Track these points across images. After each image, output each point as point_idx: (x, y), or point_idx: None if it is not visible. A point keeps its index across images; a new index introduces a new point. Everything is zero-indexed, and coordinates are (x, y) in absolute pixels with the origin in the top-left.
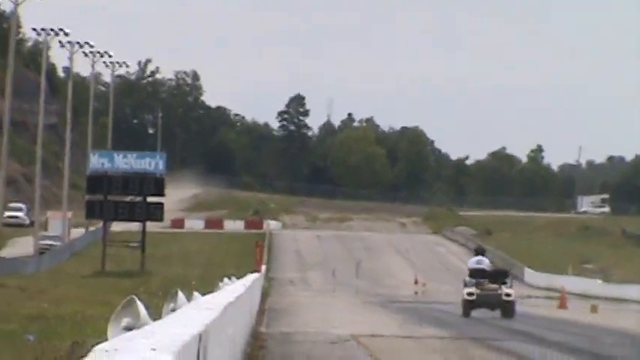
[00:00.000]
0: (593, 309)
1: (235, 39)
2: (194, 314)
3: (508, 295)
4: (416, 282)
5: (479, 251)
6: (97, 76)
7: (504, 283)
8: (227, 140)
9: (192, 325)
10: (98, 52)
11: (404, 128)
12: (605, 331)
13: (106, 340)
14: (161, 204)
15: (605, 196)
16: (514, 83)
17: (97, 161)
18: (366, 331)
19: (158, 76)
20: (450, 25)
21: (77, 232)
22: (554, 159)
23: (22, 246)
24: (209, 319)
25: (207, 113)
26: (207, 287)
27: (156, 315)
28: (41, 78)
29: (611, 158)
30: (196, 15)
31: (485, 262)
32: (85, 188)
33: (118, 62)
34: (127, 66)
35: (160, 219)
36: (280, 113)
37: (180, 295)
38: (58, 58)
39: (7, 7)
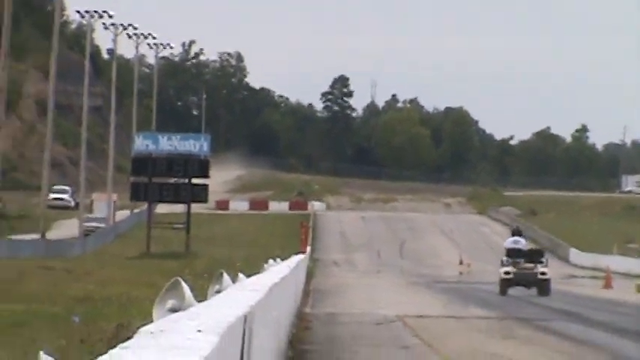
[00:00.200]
0: (639, 288)
1: (279, 20)
2: (239, 296)
3: (543, 273)
4: (460, 262)
5: (515, 232)
6: (141, 58)
7: (540, 262)
8: (271, 121)
9: (238, 306)
10: (142, 34)
11: (448, 109)
12: None
13: (152, 321)
14: (206, 185)
15: None
16: (558, 62)
17: (141, 143)
18: (412, 311)
19: (202, 57)
20: (494, 4)
21: (122, 214)
22: (598, 138)
23: (67, 228)
24: (254, 301)
25: (251, 95)
26: (252, 268)
27: (201, 297)
28: (85, 60)
29: None
30: None
31: (521, 242)
32: (130, 170)
33: (162, 44)
34: (171, 48)
35: (205, 200)
36: (324, 94)
37: (225, 276)
38: (102, 40)
39: None
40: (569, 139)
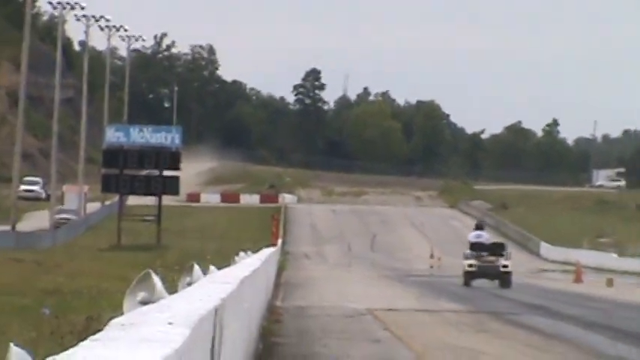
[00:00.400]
0: (609, 283)
1: (251, 13)
2: (210, 288)
3: (505, 266)
4: (432, 256)
5: (478, 226)
6: (113, 51)
7: (502, 255)
8: (243, 114)
9: (209, 299)
10: (114, 26)
11: (419, 102)
12: (620, 304)
13: (122, 314)
14: (177, 178)
15: (621, 170)
16: (530, 57)
17: (113, 135)
18: (383, 305)
19: (174, 50)
20: None
21: (93, 206)
22: (569, 133)
23: (38, 220)
24: (225, 293)
25: (223, 87)
26: (224, 261)
27: (172, 289)
28: (57, 52)
29: (626, 132)
30: None
31: (484, 236)
32: (101, 162)
33: (134, 36)
34: (143, 40)
35: (176, 193)
36: (296, 87)
37: (197, 268)
38: (74, 32)
39: None
40: (540, 133)
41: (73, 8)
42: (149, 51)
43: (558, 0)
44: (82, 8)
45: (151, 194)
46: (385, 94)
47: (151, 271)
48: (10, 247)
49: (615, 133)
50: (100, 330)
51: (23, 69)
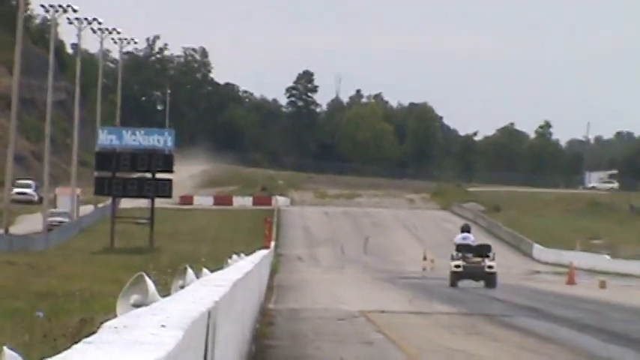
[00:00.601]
0: (602, 285)
1: (243, 15)
2: (203, 291)
3: (490, 267)
4: (424, 258)
5: (465, 229)
6: (105, 53)
7: (487, 256)
8: (235, 117)
9: (202, 301)
10: (106, 29)
11: (412, 104)
12: (613, 306)
13: (115, 316)
14: (170, 180)
15: (614, 171)
16: (522, 59)
17: (105, 138)
18: (375, 307)
19: (166, 52)
20: (457, 1)
21: (86, 209)
22: (562, 135)
23: (30, 223)
24: (218, 296)
25: (215, 90)
26: (216, 264)
27: (165, 292)
28: (49, 55)
29: (619, 134)
30: None
31: (470, 238)
32: (94, 165)
33: (126, 39)
34: (136, 43)
35: (169, 195)
36: (289, 89)
37: (189, 271)
38: (67, 34)
39: None
40: (532, 135)
41: (65, 11)
42: (141, 54)
43: (552, 2)
44: (75, 11)
45: (143, 197)
46: (378, 97)
47: (143, 273)
48: (3, 250)
49: (608, 134)
50: (93, 333)
51: (16, 72)
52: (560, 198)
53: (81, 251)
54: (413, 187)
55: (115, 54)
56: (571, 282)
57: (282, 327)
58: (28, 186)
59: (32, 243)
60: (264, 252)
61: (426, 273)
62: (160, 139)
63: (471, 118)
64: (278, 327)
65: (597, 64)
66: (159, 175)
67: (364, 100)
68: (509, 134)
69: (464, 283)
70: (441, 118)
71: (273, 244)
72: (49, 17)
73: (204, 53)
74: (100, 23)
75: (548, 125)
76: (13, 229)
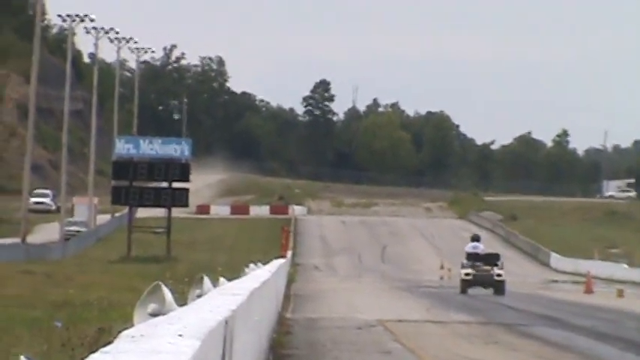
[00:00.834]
0: (619, 293)
1: (260, 25)
2: (220, 300)
3: (499, 275)
4: (442, 267)
5: (474, 238)
6: (122, 63)
7: (496, 265)
8: (252, 126)
9: (219, 310)
10: (123, 38)
11: (429, 113)
12: (631, 315)
13: (132, 325)
14: (186, 190)
15: (631, 180)
16: (540, 68)
17: (122, 147)
18: (393, 316)
19: (183, 62)
20: (475, 8)
21: (103, 218)
22: (579, 144)
23: (48, 232)
24: (235, 305)
25: (232, 99)
26: (233, 273)
27: (182, 301)
28: (67, 64)
29: (637, 142)
30: (222, 1)
31: (479, 247)
32: (111, 174)
33: (143, 48)
34: (153, 52)
35: (186, 205)
36: (305, 98)
37: (206, 280)
38: (84, 44)
39: None
40: (550, 144)
41: (82, 21)
42: (158, 63)
43: (569, 10)
44: (92, 20)
45: (160, 206)
46: (394, 105)
47: (160, 283)
48: (20, 259)
49: (626, 143)
50: (110, 342)
51: (33, 81)
52: (577, 207)
53: (98, 260)
54: (430, 196)
55: (132, 63)
56: (588, 291)
57: (300, 336)
58: (45, 195)
59: (49, 252)
60: (281, 261)
61: (443, 282)
62: (177, 148)
63: (488, 126)
64: (295, 336)
65: (616, 73)
66: (176, 185)
67: (381, 109)
68: (526, 143)
69: (474, 291)
70: (457, 126)
71: (290, 253)
72: (66, 27)
73: (221, 62)
74: (117, 33)
75: (565, 134)
76: (30, 239)
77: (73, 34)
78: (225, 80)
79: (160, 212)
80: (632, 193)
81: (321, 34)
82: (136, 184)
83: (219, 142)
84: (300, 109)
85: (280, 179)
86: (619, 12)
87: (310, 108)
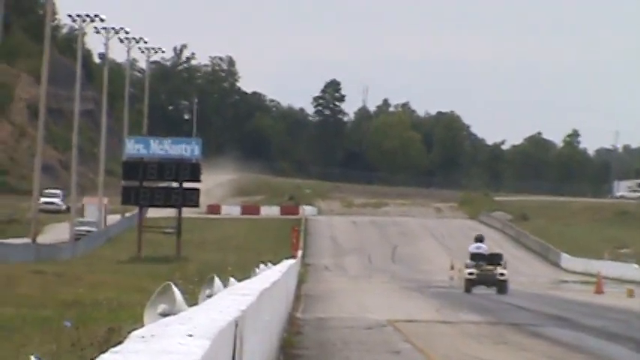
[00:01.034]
0: (630, 293)
1: (271, 25)
2: (230, 300)
3: (502, 274)
4: (452, 267)
5: (478, 239)
6: (132, 63)
7: (499, 264)
8: (263, 126)
9: (229, 311)
10: (133, 38)
11: (439, 113)
12: None
13: (142, 326)
14: (197, 190)
15: None
16: (551, 68)
17: (132, 147)
18: (403, 316)
19: (194, 62)
20: (486, 9)
21: (113, 218)
22: (590, 144)
23: (58, 232)
24: (245, 305)
25: (242, 99)
26: (244, 273)
27: (192, 301)
28: (77, 64)
29: None
30: (232, 0)
31: (483, 248)
32: (121, 174)
33: (153, 48)
34: (163, 52)
35: (196, 205)
36: (316, 98)
37: (217, 280)
38: (94, 44)
39: None
40: (560, 144)
41: (92, 21)
42: (169, 63)
43: (581, 11)
44: (102, 20)
45: (171, 206)
46: (405, 105)
47: (171, 283)
48: (30, 259)
49: (636, 143)
50: (120, 342)
51: (43, 81)
52: (587, 207)
53: (108, 260)
54: (440, 196)
55: (142, 63)
56: (599, 291)
57: (310, 336)
58: (55, 195)
59: (59, 252)
60: (291, 261)
61: (453, 282)
62: (187, 149)
63: (499, 127)
64: (306, 336)
65: (627, 73)
66: (186, 185)
67: (391, 109)
68: (536, 143)
69: (477, 290)
70: (468, 126)
71: (300, 253)
72: (76, 27)
73: (231, 62)
74: (127, 33)
75: (576, 134)
76: (40, 239)
77: (84, 34)
78: (236, 80)
79: (170, 212)
80: None
81: (331, 34)
82: (146, 184)
83: (230, 142)
84: (310, 109)
85: (291, 179)
86: (632, 12)
87: (320, 108)
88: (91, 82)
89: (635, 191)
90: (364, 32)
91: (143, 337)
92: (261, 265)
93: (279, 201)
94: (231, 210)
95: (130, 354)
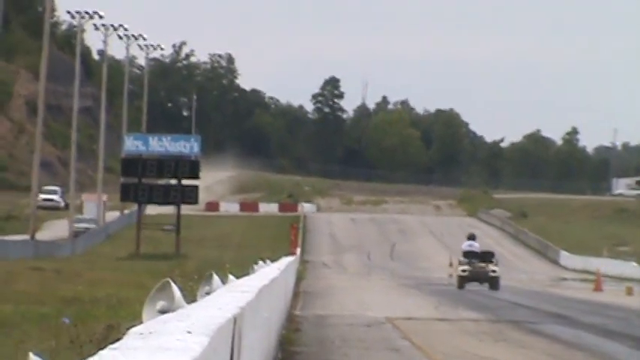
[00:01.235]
0: (629, 291)
1: (270, 22)
2: (229, 297)
3: (494, 271)
4: (450, 264)
5: (470, 237)
6: (131, 59)
7: (491, 262)
8: (262, 123)
9: (227, 308)
10: (132, 35)
11: (439, 111)
12: None
13: (141, 322)
14: (196, 187)
15: None
16: (550, 67)
17: (131, 144)
18: (402, 313)
19: (193, 59)
20: (485, 6)
21: (112, 215)
22: (589, 141)
23: (57, 229)
24: (244, 302)
25: (241, 96)
26: (242, 270)
27: (191, 298)
28: (76, 61)
29: None
30: None
31: (475, 246)
32: (120, 171)
33: (152, 45)
34: (162, 49)
35: (195, 202)
36: (315, 96)
37: (215, 277)
38: (93, 41)
39: None
40: (559, 141)
41: (91, 17)
42: (168, 60)
43: (579, 7)
44: (101, 17)
45: (169, 203)
46: (404, 103)
47: (169, 280)
48: (29, 255)
49: (635, 141)
50: (119, 339)
51: (42, 78)
52: (586, 205)
53: (107, 257)
54: (439, 194)
55: (141, 60)
56: (598, 289)
57: (309, 333)
58: (54, 192)
59: (58, 249)
60: (290, 258)
61: (452, 280)
62: (186, 145)
63: (498, 124)
64: (304, 333)
65: (626, 71)
66: (185, 182)
67: (390, 106)
68: (535, 141)
69: (470, 286)
70: (467, 124)
71: (299, 250)
72: (75, 23)
73: (230, 59)
74: (126, 29)
75: (575, 132)
76: (39, 236)
77: (83, 30)
78: (235, 77)
79: (168, 209)
80: None
81: (330, 31)
82: (145, 181)
83: (229, 139)
84: (309, 107)
85: (290, 177)
86: (632, 12)
87: (320, 105)
88: (90, 78)
89: (633, 189)
90: (363, 30)
91: (142, 333)
92: (260, 263)
93: (278, 198)
94: (230, 207)
95: (129, 350)
